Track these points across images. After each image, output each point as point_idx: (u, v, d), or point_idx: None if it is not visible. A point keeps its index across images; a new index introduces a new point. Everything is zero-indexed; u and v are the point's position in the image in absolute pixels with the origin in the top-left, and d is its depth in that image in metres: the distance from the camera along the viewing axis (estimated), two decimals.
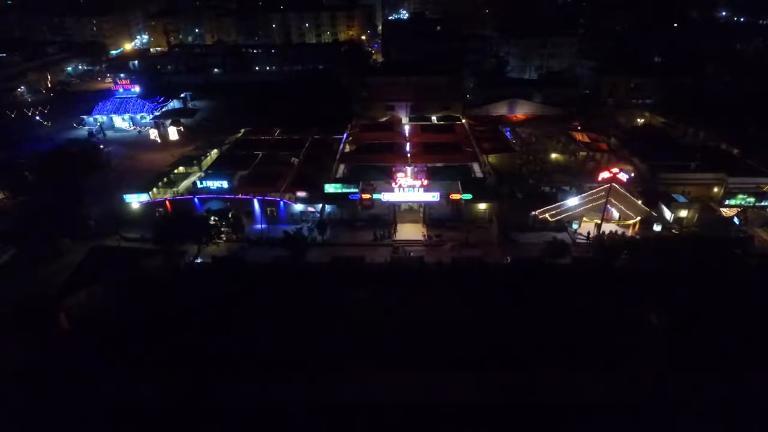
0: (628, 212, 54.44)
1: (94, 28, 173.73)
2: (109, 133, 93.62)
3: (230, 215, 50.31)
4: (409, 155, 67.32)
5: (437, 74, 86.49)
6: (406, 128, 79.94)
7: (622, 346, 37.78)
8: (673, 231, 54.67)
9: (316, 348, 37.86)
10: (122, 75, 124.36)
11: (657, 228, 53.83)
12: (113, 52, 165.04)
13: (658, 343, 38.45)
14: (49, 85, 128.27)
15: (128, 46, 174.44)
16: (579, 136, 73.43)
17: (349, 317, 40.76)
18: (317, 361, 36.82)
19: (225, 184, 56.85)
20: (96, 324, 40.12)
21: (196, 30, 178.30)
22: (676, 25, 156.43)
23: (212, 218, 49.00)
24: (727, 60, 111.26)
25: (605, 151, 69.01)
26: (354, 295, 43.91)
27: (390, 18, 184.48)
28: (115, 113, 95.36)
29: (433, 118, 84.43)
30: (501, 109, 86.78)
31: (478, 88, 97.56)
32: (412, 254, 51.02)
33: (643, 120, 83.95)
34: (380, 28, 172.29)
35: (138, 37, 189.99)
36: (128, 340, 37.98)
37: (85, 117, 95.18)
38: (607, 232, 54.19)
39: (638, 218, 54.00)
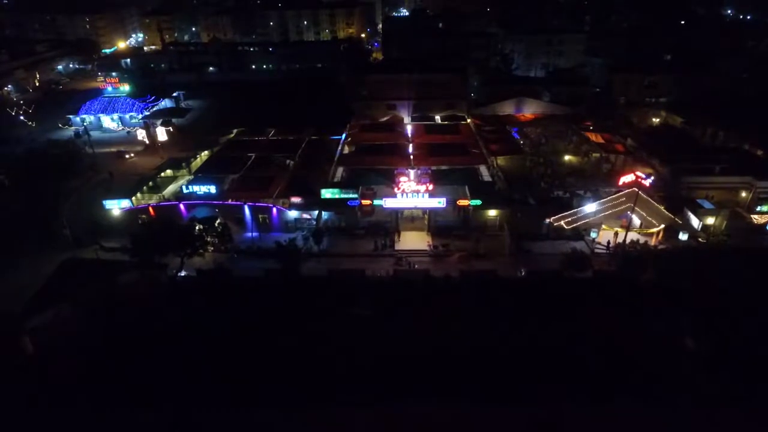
0: (650, 219, 50.03)
1: (87, 26, 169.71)
2: (97, 134, 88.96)
3: (217, 224, 45.83)
4: (411, 157, 62.91)
5: (441, 71, 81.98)
6: (408, 128, 75.53)
7: (655, 374, 33.44)
8: (700, 240, 50.22)
9: (309, 376, 33.53)
10: (114, 74, 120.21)
11: (683, 237, 49.37)
12: (107, 50, 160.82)
13: (696, 370, 34.07)
14: (37, 84, 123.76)
15: (122, 45, 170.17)
16: (592, 137, 69.00)
17: (347, 340, 36.41)
18: (310, 391, 32.47)
19: (212, 189, 52.33)
20: (64, 350, 35.65)
21: (193, 29, 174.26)
22: (683, 22, 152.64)
23: (197, 227, 44.52)
24: (740, 57, 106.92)
25: (621, 152, 64.55)
26: (353, 315, 39.65)
27: (391, 15, 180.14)
28: (102, 113, 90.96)
29: (437, 117, 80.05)
30: (508, 108, 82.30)
31: (483, 87, 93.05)
32: (416, 266, 46.63)
33: (658, 119, 79.47)
34: (380, 26, 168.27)
35: (133, 35, 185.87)
36: (101, 368, 33.64)
37: (71, 117, 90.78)
38: (628, 241, 50.03)
39: (662, 226, 49.58)
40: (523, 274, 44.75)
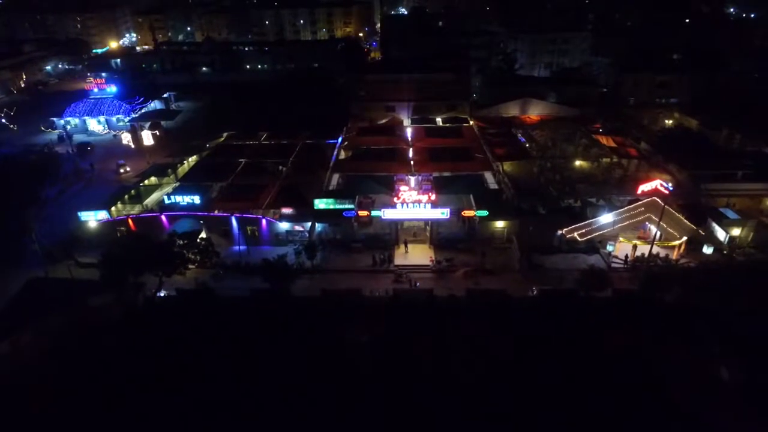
0: (671, 231, 46.10)
1: (78, 26, 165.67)
2: (81, 137, 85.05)
3: (200, 239, 41.81)
4: (412, 162, 59.00)
5: (442, 71, 78.01)
6: (408, 131, 71.59)
7: (686, 411, 29.59)
8: (725, 253, 46.28)
9: (301, 410, 29.63)
10: (103, 74, 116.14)
11: (708, 250, 45.44)
12: (98, 50, 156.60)
13: (732, 404, 30.21)
14: (23, 85, 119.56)
15: (114, 45, 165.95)
16: (603, 140, 65.15)
17: (340, 371, 32.51)
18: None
19: (197, 199, 48.29)
20: (22, 387, 31.59)
21: (188, 28, 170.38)
22: (687, 20, 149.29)
23: (178, 242, 40.45)
24: (750, 56, 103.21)
25: (635, 157, 60.68)
26: (348, 340, 35.74)
27: (389, 14, 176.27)
28: (88, 115, 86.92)
29: (438, 120, 76.18)
30: (512, 110, 78.44)
31: (486, 87, 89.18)
32: (418, 284, 42.64)
33: (671, 121, 75.55)
34: (378, 25, 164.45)
35: (127, 35, 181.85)
36: (65, 409, 29.68)
37: (55, 120, 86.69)
38: (646, 254, 46.12)
39: (684, 238, 45.67)
40: (534, 293, 40.80)
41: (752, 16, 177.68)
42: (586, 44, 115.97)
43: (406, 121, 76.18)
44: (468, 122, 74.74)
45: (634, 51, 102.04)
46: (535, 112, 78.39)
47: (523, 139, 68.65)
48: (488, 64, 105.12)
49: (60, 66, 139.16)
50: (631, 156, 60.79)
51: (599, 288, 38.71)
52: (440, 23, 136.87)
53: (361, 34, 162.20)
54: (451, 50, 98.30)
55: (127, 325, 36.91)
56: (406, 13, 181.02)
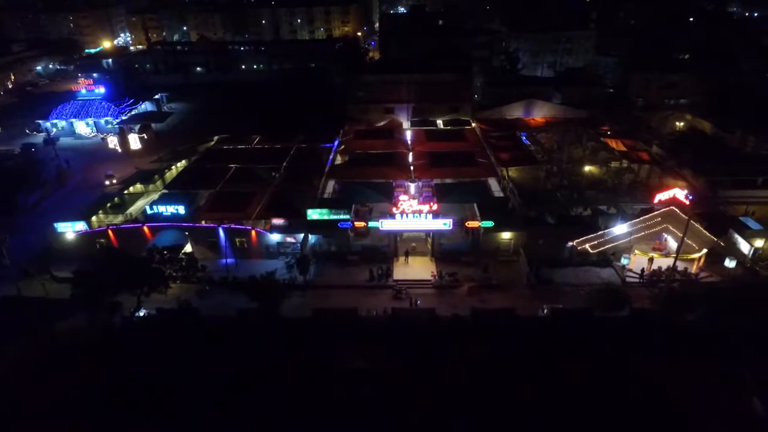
0: (689, 242, 42.93)
1: (71, 25, 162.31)
2: (68, 141, 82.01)
3: (182, 254, 38.65)
4: (412, 168, 55.89)
5: (443, 71, 74.83)
6: (408, 134, 68.50)
7: None
8: (748, 266, 43.18)
9: None
10: (94, 75, 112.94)
11: (730, 264, 42.30)
12: (91, 50, 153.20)
13: None
14: (10, 86, 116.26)
15: (108, 44, 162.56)
16: (612, 143, 62.03)
17: (336, 400, 29.42)
18: None
19: (181, 209, 45.12)
20: None
21: (184, 28, 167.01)
22: (691, 19, 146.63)
23: (157, 257, 37.29)
24: (760, 55, 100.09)
25: (647, 161, 57.57)
26: (342, 366, 32.61)
27: (388, 12, 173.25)
28: (75, 117, 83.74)
29: (439, 122, 73.02)
30: (516, 112, 75.29)
31: (489, 88, 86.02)
32: (418, 302, 39.49)
33: (682, 123, 72.40)
34: (377, 24, 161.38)
35: (122, 35, 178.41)
36: None
37: (41, 122, 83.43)
38: (663, 268, 43.10)
39: (704, 251, 42.55)
40: (545, 312, 37.68)
41: (755, 15, 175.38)
42: (591, 43, 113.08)
43: (406, 124, 73.08)
44: (470, 124, 71.66)
45: (640, 50, 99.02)
46: (539, 113, 75.25)
47: (528, 142, 65.58)
48: (490, 64, 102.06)
49: (51, 66, 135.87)
50: (643, 160, 57.69)
51: (616, 307, 35.60)
52: (440, 22, 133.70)
53: (359, 34, 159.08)
54: (451, 49, 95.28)
55: (102, 349, 33.73)
56: (405, 11, 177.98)
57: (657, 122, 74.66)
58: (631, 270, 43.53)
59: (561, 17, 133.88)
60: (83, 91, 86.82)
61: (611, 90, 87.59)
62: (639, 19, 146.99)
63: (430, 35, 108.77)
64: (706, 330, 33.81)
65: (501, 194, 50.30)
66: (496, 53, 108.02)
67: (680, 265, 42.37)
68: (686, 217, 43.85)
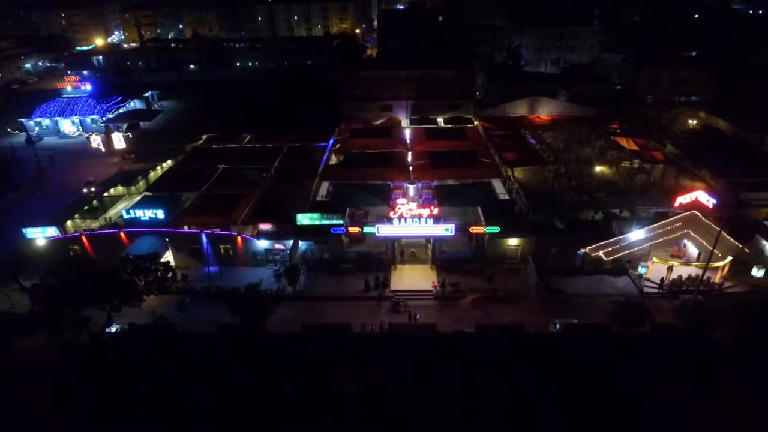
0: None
1: (63, 22, 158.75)
2: (53, 140, 78.56)
3: (158, 263, 35.16)
4: (411, 168, 52.43)
5: (444, 67, 71.36)
6: (407, 133, 65.01)
7: None
8: None
9: None
10: (84, 72, 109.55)
11: (758, 273, 38.84)
12: (83, 47, 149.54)
13: None
14: None
15: (100, 42, 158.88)
16: (623, 142, 58.59)
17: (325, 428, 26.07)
18: None
19: (160, 213, 41.61)
20: None
21: (180, 26, 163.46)
22: (697, 15, 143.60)
23: (131, 266, 33.80)
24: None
25: (661, 161, 54.10)
26: (333, 389, 29.24)
27: (387, 9, 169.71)
28: (60, 116, 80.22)
29: (440, 119, 69.57)
30: (521, 109, 71.94)
31: (491, 85, 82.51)
32: (418, 316, 36.01)
33: (695, 121, 68.94)
34: (376, 21, 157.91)
35: (116, 32, 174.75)
36: None
37: (24, 121, 79.91)
38: (683, 276, 39.68)
39: (729, 258, 39.11)
40: (558, 327, 34.23)
41: (759, 12, 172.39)
42: (596, 39, 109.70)
43: (405, 122, 69.65)
44: (472, 123, 68.21)
45: (647, 46, 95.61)
46: (545, 111, 71.92)
47: (533, 141, 62.14)
48: (492, 60, 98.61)
49: (41, 64, 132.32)
50: (657, 160, 54.21)
51: (636, 323, 32.16)
52: (440, 18, 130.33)
53: (357, 31, 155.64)
54: (452, 46, 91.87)
55: (66, 370, 30.34)
56: (404, 8, 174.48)
57: (668, 120, 71.16)
58: (649, 279, 40.05)
59: (564, 13, 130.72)
60: (69, 88, 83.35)
61: (619, 87, 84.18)
62: (643, 16, 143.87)
63: (429, 32, 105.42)
64: (739, 348, 30.42)
65: (506, 197, 46.82)
66: (498, 49, 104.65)
67: (699, 273, 38.90)
68: (709, 222, 40.67)
